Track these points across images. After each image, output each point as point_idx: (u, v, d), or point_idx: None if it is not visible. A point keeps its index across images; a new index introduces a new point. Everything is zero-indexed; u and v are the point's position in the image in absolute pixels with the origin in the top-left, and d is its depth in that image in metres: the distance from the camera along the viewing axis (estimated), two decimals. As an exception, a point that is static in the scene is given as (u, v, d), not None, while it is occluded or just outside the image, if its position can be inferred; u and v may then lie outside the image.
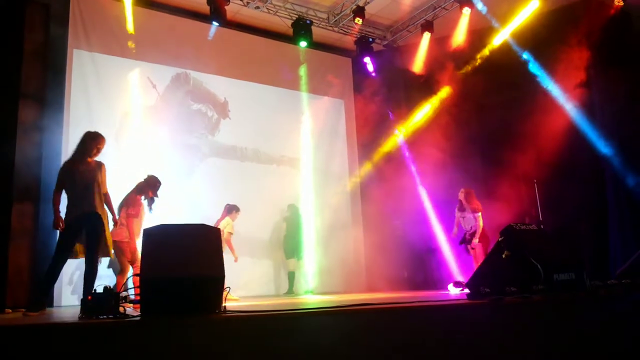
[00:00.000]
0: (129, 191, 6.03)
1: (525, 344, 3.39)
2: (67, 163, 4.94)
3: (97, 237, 4.77)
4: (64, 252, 4.73)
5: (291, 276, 8.32)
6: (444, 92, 8.91)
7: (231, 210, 7.60)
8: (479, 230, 7.21)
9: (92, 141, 4.95)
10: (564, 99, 7.59)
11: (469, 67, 8.59)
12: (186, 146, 8.14)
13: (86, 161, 4.92)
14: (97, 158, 5.03)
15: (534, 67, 7.87)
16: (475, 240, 7.17)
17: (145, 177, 6.18)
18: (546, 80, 7.77)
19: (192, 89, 8.41)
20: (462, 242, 7.45)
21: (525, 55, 7.97)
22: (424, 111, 9.09)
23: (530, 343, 3.41)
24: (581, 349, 3.59)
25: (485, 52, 8.43)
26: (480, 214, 7.30)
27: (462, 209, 7.45)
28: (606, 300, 4.10)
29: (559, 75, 7.71)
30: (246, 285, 7.78)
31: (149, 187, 6.09)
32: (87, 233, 4.76)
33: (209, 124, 8.53)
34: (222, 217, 7.53)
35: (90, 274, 4.64)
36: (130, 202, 5.95)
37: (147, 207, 6.07)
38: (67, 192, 4.82)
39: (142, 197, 6.05)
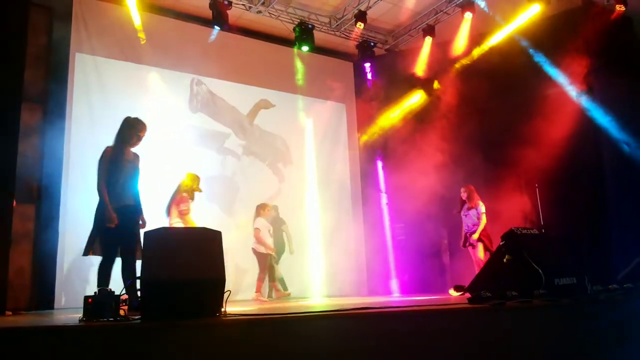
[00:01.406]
0: (173, 191, 6.43)
1: (526, 349, 3.38)
2: (109, 151, 4.55)
3: (138, 234, 4.47)
4: (112, 249, 4.37)
5: (282, 281, 8.25)
6: (437, 89, 8.96)
7: (258, 210, 7.70)
8: (481, 226, 7.09)
9: (130, 129, 4.65)
10: (565, 104, 7.58)
11: (462, 64, 8.58)
12: (188, 150, 8.15)
13: (127, 150, 4.61)
14: None
15: (539, 64, 7.83)
16: (475, 236, 7.05)
17: (185, 175, 6.62)
18: (547, 84, 7.76)
19: (195, 93, 8.42)
20: (465, 244, 7.34)
21: (531, 53, 7.92)
22: (422, 112, 9.09)
23: (531, 348, 3.41)
24: (583, 354, 3.58)
25: (482, 49, 8.40)
26: (484, 209, 7.20)
27: (466, 208, 7.35)
28: (608, 304, 4.08)
29: (561, 80, 7.71)
30: (249, 289, 7.75)
31: (192, 182, 6.56)
32: (127, 229, 4.42)
33: (211, 128, 8.54)
34: (255, 219, 7.67)
35: (133, 276, 4.20)
36: (180, 201, 6.34)
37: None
38: (109, 182, 4.44)
39: (187, 195, 6.45)
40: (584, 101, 7.53)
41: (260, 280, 7.46)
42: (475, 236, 7.07)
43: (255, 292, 7.42)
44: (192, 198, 6.50)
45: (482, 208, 7.23)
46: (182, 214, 6.31)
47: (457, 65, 8.67)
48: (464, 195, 7.41)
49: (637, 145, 7.23)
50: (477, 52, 8.52)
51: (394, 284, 8.87)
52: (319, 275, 8.90)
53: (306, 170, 9.38)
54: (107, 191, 4.41)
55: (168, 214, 6.34)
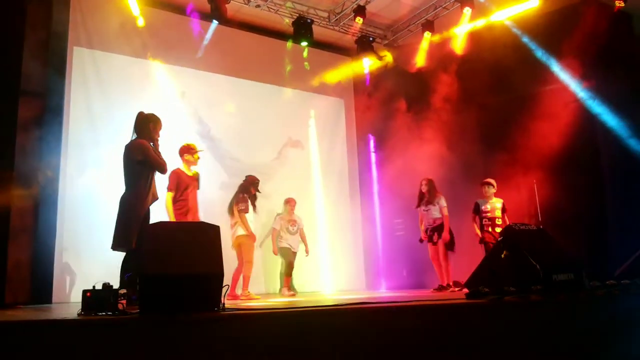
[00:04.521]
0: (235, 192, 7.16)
1: (523, 344, 3.40)
2: (146, 144, 4.50)
3: None
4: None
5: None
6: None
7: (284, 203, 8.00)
8: (448, 224, 7.15)
9: (156, 123, 4.65)
10: (564, 100, 7.57)
11: (460, 58, 8.53)
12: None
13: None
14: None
15: (534, 63, 7.82)
16: (447, 235, 7.10)
17: (245, 177, 7.28)
18: (545, 80, 7.75)
19: (193, 87, 8.38)
20: (428, 239, 7.26)
21: (530, 48, 7.90)
22: (420, 105, 9.05)
23: (528, 343, 3.42)
24: (580, 349, 3.59)
25: (481, 42, 8.34)
26: (445, 203, 7.24)
27: (427, 202, 7.32)
28: (605, 300, 4.10)
29: (560, 76, 7.70)
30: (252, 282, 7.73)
31: (251, 184, 7.18)
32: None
33: (209, 122, 8.51)
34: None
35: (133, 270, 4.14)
36: (240, 200, 7.05)
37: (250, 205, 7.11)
38: (143, 176, 4.45)
39: (246, 195, 7.09)
40: (583, 98, 7.52)
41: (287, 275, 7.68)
42: (446, 234, 7.11)
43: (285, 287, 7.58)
44: (250, 198, 7.09)
45: (444, 202, 7.24)
46: (241, 213, 6.94)
47: (455, 59, 8.63)
48: (424, 188, 7.35)
49: (635, 141, 7.24)
50: (475, 46, 8.48)
51: (392, 280, 8.89)
52: (317, 270, 8.91)
53: (304, 165, 9.37)
54: (146, 185, 4.43)
55: (231, 214, 7.03)
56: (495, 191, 7.25)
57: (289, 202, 7.94)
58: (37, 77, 6.79)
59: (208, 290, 3.19)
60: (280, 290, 7.79)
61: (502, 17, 8.28)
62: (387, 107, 9.32)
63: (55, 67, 7.07)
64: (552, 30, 7.59)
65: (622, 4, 7.67)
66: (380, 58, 9.38)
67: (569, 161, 7.23)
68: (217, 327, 2.75)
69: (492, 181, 7.25)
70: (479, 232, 7.13)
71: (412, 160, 8.41)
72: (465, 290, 4.44)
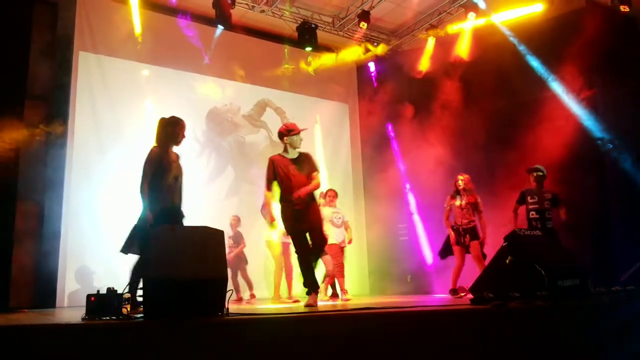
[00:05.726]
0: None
1: (528, 350, 3.38)
2: (156, 152, 4.54)
3: None
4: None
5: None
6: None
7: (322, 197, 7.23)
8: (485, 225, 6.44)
9: (176, 126, 4.67)
10: (566, 105, 7.56)
11: (464, 63, 8.48)
12: (191, 148, 8.16)
13: (171, 150, 4.66)
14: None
15: (538, 69, 7.82)
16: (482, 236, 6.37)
17: None
18: (550, 85, 7.74)
19: (198, 92, 8.41)
20: (458, 241, 6.48)
21: (529, 58, 7.92)
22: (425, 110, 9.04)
23: (533, 349, 3.40)
24: (585, 355, 3.57)
25: (484, 47, 8.31)
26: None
27: (465, 201, 6.53)
28: (610, 306, 4.08)
29: (563, 81, 7.69)
30: (257, 287, 7.69)
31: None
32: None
33: (214, 127, 8.54)
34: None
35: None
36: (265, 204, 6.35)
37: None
38: (153, 183, 4.43)
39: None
40: (585, 104, 7.50)
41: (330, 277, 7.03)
42: (483, 236, 6.41)
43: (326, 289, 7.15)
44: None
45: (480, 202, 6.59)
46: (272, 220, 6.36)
47: (460, 64, 8.62)
48: (467, 185, 6.56)
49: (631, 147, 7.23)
50: (480, 50, 8.47)
51: (397, 285, 8.85)
52: (321, 275, 8.87)
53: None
54: (154, 193, 4.42)
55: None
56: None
57: (329, 194, 7.28)
58: (43, 81, 6.83)
59: (212, 294, 3.19)
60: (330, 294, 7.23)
61: (506, 22, 8.29)
62: (392, 111, 9.32)
63: (62, 70, 7.11)
64: (556, 36, 7.58)
65: (627, 9, 7.65)
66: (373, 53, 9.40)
67: (574, 166, 7.19)
68: (220, 331, 2.74)
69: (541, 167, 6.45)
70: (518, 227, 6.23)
71: (417, 164, 8.39)
72: (470, 295, 4.43)
